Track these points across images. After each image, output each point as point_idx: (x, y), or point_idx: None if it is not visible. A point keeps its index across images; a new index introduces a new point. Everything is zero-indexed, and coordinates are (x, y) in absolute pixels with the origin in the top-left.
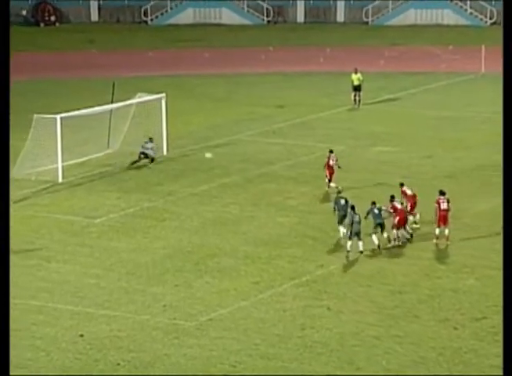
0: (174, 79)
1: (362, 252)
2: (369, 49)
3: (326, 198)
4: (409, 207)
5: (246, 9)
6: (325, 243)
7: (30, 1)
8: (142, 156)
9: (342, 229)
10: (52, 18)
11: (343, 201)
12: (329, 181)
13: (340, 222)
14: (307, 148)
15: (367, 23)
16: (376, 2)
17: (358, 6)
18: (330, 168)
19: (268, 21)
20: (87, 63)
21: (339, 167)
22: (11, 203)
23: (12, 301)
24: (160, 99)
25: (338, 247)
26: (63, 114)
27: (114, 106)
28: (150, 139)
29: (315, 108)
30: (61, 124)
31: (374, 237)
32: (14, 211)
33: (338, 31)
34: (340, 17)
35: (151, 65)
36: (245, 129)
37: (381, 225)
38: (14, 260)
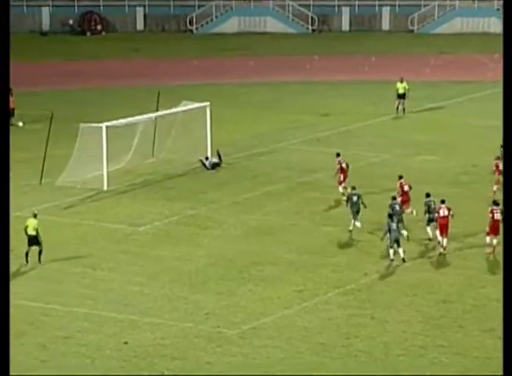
0: (218, 87)
1: (404, 260)
2: (414, 58)
3: (370, 207)
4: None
5: (290, 17)
6: (369, 252)
7: (76, 11)
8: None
9: (357, 223)
10: (99, 27)
11: (355, 198)
12: (340, 184)
13: (354, 217)
14: (351, 156)
15: (412, 31)
16: (422, 10)
17: (404, 14)
18: (344, 172)
19: (313, 30)
20: (132, 72)
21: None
22: (59, 210)
23: (58, 308)
24: (205, 107)
25: (382, 255)
26: (109, 123)
27: (159, 114)
28: (217, 152)
29: (360, 116)
30: (107, 132)
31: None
32: (61, 218)
33: (383, 40)
34: (386, 25)
35: (196, 73)
36: (289, 137)
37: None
38: (60, 267)
